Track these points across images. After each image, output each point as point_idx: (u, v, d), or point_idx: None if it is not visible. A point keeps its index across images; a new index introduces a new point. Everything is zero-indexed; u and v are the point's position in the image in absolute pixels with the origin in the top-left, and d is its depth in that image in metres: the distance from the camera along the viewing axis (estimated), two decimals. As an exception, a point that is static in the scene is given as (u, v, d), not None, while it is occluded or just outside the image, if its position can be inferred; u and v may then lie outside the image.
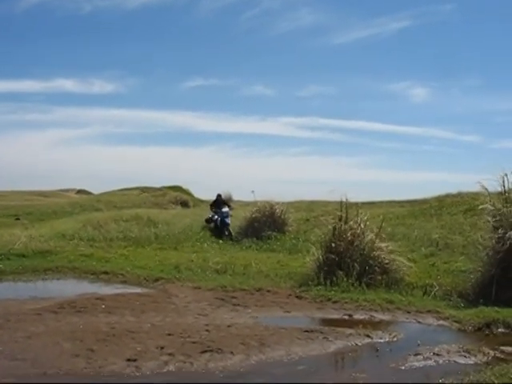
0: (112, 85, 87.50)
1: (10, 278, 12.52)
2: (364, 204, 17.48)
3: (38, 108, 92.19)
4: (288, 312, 9.38)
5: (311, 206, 25.61)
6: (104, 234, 18.70)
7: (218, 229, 19.82)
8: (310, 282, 11.12)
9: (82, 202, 38.20)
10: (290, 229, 19.41)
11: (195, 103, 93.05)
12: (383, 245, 11.50)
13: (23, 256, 14.86)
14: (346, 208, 11.92)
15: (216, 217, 20.13)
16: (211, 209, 21.17)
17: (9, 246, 15.84)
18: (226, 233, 19.56)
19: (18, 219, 29.28)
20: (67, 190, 72.92)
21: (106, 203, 35.22)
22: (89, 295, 10.27)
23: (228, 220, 20.09)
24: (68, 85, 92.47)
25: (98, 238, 18.15)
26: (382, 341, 7.70)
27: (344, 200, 12.04)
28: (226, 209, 20.57)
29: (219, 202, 21.22)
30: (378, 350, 7.22)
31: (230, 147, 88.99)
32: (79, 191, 71.56)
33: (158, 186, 42.98)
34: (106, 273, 12.83)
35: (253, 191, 20.86)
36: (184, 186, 43.00)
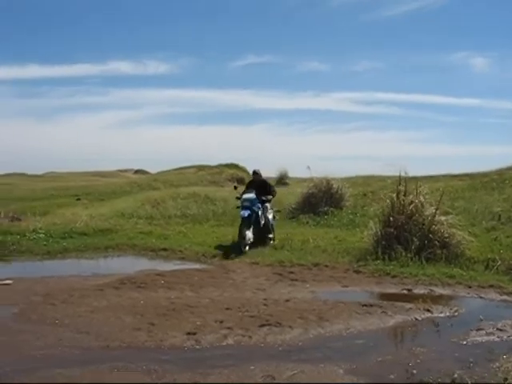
0: (166, 65, 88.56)
1: (73, 256, 12.88)
2: (422, 178, 17.19)
3: (95, 91, 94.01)
4: (346, 287, 9.32)
5: (367, 181, 25.37)
6: (162, 211, 19.01)
7: (251, 227, 13.26)
8: (367, 257, 11.01)
9: (140, 181, 38.85)
10: (347, 204, 19.26)
11: (248, 81, 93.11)
12: (443, 218, 11.25)
13: (85, 234, 15.23)
14: (405, 181, 11.72)
15: (247, 211, 13.18)
16: (239, 196, 14.01)
17: (71, 224, 16.28)
18: (271, 236, 13.87)
19: (78, 199, 30.00)
20: (125, 171, 74.27)
21: (164, 182, 35.73)
22: (148, 271, 10.45)
23: (270, 216, 14.24)
24: (123, 67, 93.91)
25: (157, 215, 18.47)
26: (442, 315, 7.54)
27: (403, 174, 11.86)
28: (268, 199, 14.17)
29: (257, 185, 14.19)
30: (438, 325, 7.06)
31: (285, 124, 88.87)
32: (137, 171, 72.80)
33: (213, 164, 43.28)
34: (164, 249, 13.03)
35: (308, 167, 20.32)
36: (240, 164, 43.13)
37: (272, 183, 15.81)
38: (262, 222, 13.80)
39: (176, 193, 22.80)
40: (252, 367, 5.47)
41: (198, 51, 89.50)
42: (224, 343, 6.29)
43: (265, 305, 7.84)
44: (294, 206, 19.49)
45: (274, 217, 14.67)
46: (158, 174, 45.45)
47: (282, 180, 33.90)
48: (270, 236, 14.00)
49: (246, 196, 13.69)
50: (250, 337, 6.48)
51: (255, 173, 14.98)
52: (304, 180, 24.62)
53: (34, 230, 15.54)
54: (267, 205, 14.21)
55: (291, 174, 34.50)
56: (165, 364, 5.56)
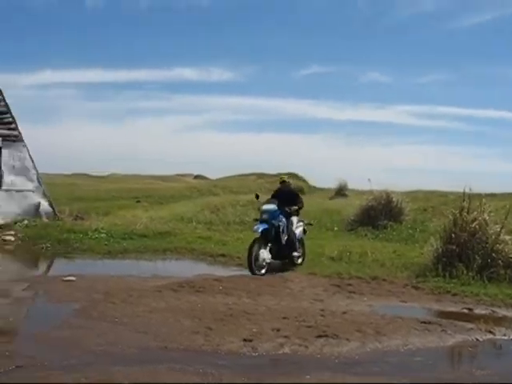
0: (229, 73, 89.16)
1: (132, 256, 13.17)
2: (486, 195, 16.79)
3: (158, 96, 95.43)
4: (404, 302, 9.18)
5: (428, 195, 24.95)
6: (221, 217, 19.18)
7: (269, 245, 11.46)
8: (427, 273, 10.81)
9: (200, 186, 39.25)
10: (407, 218, 18.98)
11: (310, 90, 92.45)
12: (508, 238, 10.97)
13: (144, 236, 15.53)
14: (468, 198, 11.48)
15: (262, 225, 11.52)
16: (260, 208, 12.14)
17: (131, 226, 16.61)
18: (296, 255, 12.04)
19: (138, 201, 30.55)
20: (185, 175, 75.08)
21: (223, 188, 36.02)
22: (207, 276, 10.55)
23: (298, 231, 12.34)
24: (187, 73, 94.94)
25: (216, 221, 18.65)
26: (505, 338, 7.31)
27: (467, 190, 11.61)
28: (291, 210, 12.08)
29: (283, 195, 12.31)
30: (500, 348, 6.88)
31: (345, 135, 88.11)
32: (196, 176, 73.47)
33: (273, 172, 43.34)
34: (223, 255, 13.17)
35: (369, 179, 20.07)
36: (299, 173, 43.06)
37: (300, 194, 13.66)
38: (285, 237, 11.85)
39: (235, 199, 22.97)
40: (308, 377, 5.45)
41: (262, 59, 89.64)
42: (280, 352, 6.29)
43: (322, 316, 7.79)
44: (352, 218, 19.34)
45: (304, 231, 12.80)
46: (218, 180, 45.82)
47: (341, 191, 33.59)
48: (296, 254, 12.04)
49: (265, 207, 11.85)
50: (307, 347, 6.45)
51: (283, 181, 13.04)
52: (363, 192, 24.40)
53: (96, 230, 15.95)
54: (294, 218, 12.21)
55: (350, 186, 34.16)
56: (221, 369, 5.59)
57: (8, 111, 18.19)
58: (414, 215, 19.52)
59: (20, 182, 18.15)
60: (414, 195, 23.26)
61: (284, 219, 11.90)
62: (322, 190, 39.74)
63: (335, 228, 18.67)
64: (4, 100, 18.11)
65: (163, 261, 12.87)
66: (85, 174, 62.44)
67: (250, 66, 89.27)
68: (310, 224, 13.87)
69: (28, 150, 18.34)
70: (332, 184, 36.07)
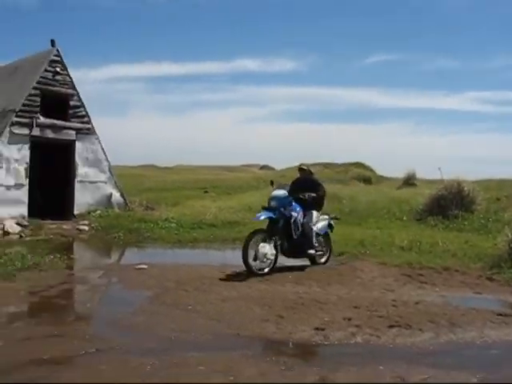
0: (292, 63, 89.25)
1: (202, 246, 13.37)
2: None
3: (222, 88, 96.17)
4: (478, 293, 8.93)
5: (501, 184, 24.20)
6: (289, 207, 19.14)
7: (274, 239, 9.88)
8: (502, 264, 10.47)
9: (266, 177, 39.30)
10: (479, 208, 18.44)
11: (376, 79, 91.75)
12: None
13: (213, 226, 15.74)
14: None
15: (267, 213, 10.08)
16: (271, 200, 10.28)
17: (200, 216, 16.87)
18: (312, 252, 10.55)
19: (206, 192, 30.93)
20: (251, 166, 75.53)
21: (290, 178, 35.90)
22: (276, 265, 10.55)
23: (320, 226, 10.92)
24: (250, 64, 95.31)
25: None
26: None
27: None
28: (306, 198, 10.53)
29: (301, 184, 10.99)
30: None
31: (412, 123, 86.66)
32: (262, 167, 73.81)
33: (339, 162, 43.10)
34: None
35: (439, 168, 19.59)
36: (366, 163, 42.67)
37: (321, 182, 11.60)
38: (298, 231, 10.30)
39: (302, 189, 22.87)
40: (381, 367, 5.39)
41: (325, 49, 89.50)
42: (352, 341, 6.24)
43: (394, 306, 7.69)
44: (421, 208, 18.97)
45: (330, 225, 11.39)
46: (284, 170, 45.81)
47: (410, 181, 33.04)
48: (312, 252, 10.50)
49: (274, 193, 10.31)
50: (379, 337, 6.38)
51: (301, 169, 11.39)
52: (432, 181, 23.95)
53: (166, 219, 16.28)
54: (314, 212, 10.65)
55: (419, 175, 33.54)
56: (293, 357, 5.62)
57: (81, 105, 18.74)
58: (487, 205, 18.94)
59: (93, 174, 18.67)
60: (485, 184, 22.62)
61: (299, 209, 10.40)
62: (389, 179, 39.25)
63: (404, 218, 18.34)
64: (78, 95, 18.64)
65: (232, 250, 12.98)
66: (152, 166, 63.73)
67: (313, 56, 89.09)
68: (337, 218, 12.16)
69: (100, 143, 18.83)
70: (400, 173, 35.60)
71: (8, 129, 16.80)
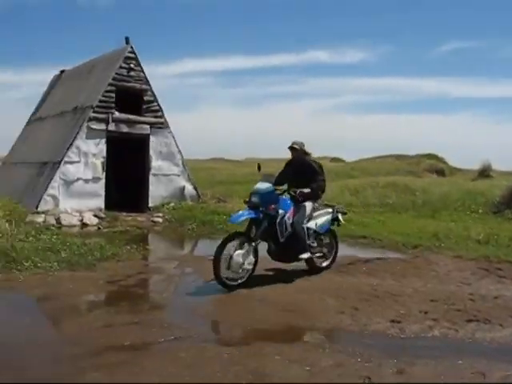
0: (363, 53, 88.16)
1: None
2: None
3: (293, 80, 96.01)
4: None
5: None
6: (361, 199, 19.04)
7: (252, 246, 8.01)
8: None
9: (337, 169, 39.07)
10: (561, 200, 17.78)
11: (450, 68, 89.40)
12: None
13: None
14: None
15: (246, 214, 8.15)
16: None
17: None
18: (304, 257, 8.66)
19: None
20: (322, 158, 74.98)
21: (361, 170, 35.66)
22: (349, 257, 10.48)
23: (319, 222, 9.03)
24: (321, 56, 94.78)
25: (356, 203, 18.53)
26: None
27: None
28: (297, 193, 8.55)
29: (294, 170, 9.11)
30: None
31: (488, 113, 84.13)
32: (333, 159, 73.21)
33: (411, 153, 42.38)
34: (364, 237, 13.07)
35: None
36: (439, 154, 41.79)
37: (320, 167, 9.14)
38: (286, 232, 8.41)
39: (375, 181, 22.67)
40: (460, 362, 5.28)
41: (397, 38, 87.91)
42: (429, 334, 6.14)
43: (471, 300, 7.51)
44: (498, 200, 18.44)
45: (334, 221, 9.43)
46: (355, 162, 45.41)
47: (485, 172, 32.08)
48: (303, 256, 8.63)
49: (257, 186, 8.35)
50: (457, 330, 6.26)
51: (293, 148, 9.06)
52: (510, 173, 23.22)
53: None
54: (307, 204, 8.74)
55: (495, 167, 32.54)
56: (369, 349, 5.57)
57: (155, 100, 19.08)
58: None
59: (166, 167, 18.98)
60: None
61: (288, 204, 8.58)
62: (463, 171, 38.34)
63: (480, 210, 17.86)
64: (151, 90, 19.01)
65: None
66: (221, 159, 64.27)
67: (385, 46, 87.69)
68: (344, 213, 9.83)
69: (173, 136, 19.14)
70: (474, 165, 34.68)
71: (86, 124, 17.30)
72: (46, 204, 16.22)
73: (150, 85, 18.93)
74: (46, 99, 23.25)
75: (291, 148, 9.06)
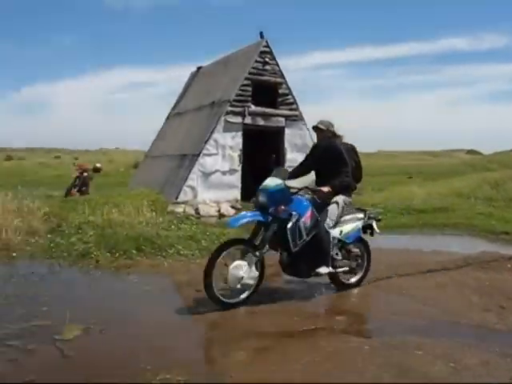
0: (504, 38, 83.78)
1: (411, 231, 13.19)
2: None
3: (426, 69, 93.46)
4: None
5: None
6: (502, 193, 18.22)
7: (256, 257, 6.45)
8: None
9: (473, 161, 37.71)
10: None
11: None
12: None
13: (422, 211, 15.47)
14: None
15: (247, 217, 6.56)
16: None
17: (407, 201, 16.66)
18: (323, 272, 6.95)
19: (410, 177, 30.42)
20: (456, 151, 72.69)
21: (499, 163, 34.11)
22: (490, 253, 10.07)
23: (349, 227, 7.33)
24: (457, 43, 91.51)
25: (496, 197, 17.77)
26: None
27: None
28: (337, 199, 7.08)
29: (318, 157, 7.45)
30: None
31: None
32: (469, 151, 70.66)
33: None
34: (506, 233, 12.55)
35: None
36: None
37: (352, 150, 7.74)
38: (300, 240, 6.73)
39: (518, 175, 21.60)
40: None
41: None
42: None
43: None
44: None
45: (366, 229, 7.87)
46: (493, 154, 43.48)
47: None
48: (322, 271, 6.93)
49: (265, 183, 6.83)
50: None
51: (318, 128, 7.37)
52: None
53: (372, 205, 16.24)
54: (339, 199, 7.11)
55: None
56: (518, 350, 5.36)
57: (289, 93, 19.35)
58: None
59: (301, 159, 19.11)
60: None
61: (305, 206, 6.90)
62: None
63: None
64: (286, 83, 19.27)
65: (442, 236, 12.67)
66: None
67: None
68: (378, 219, 8.19)
69: (308, 128, 19.29)
70: None
71: (223, 118, 17.86)
72: (185, 195, 16.95)
73: (284, 78, 19.20)
74: (184, 95, 24.22)
75: (316, 128, 7.40)
